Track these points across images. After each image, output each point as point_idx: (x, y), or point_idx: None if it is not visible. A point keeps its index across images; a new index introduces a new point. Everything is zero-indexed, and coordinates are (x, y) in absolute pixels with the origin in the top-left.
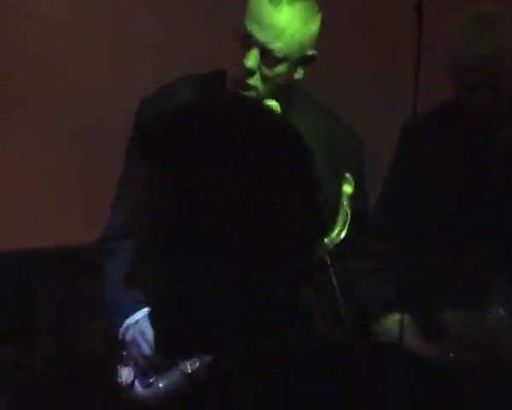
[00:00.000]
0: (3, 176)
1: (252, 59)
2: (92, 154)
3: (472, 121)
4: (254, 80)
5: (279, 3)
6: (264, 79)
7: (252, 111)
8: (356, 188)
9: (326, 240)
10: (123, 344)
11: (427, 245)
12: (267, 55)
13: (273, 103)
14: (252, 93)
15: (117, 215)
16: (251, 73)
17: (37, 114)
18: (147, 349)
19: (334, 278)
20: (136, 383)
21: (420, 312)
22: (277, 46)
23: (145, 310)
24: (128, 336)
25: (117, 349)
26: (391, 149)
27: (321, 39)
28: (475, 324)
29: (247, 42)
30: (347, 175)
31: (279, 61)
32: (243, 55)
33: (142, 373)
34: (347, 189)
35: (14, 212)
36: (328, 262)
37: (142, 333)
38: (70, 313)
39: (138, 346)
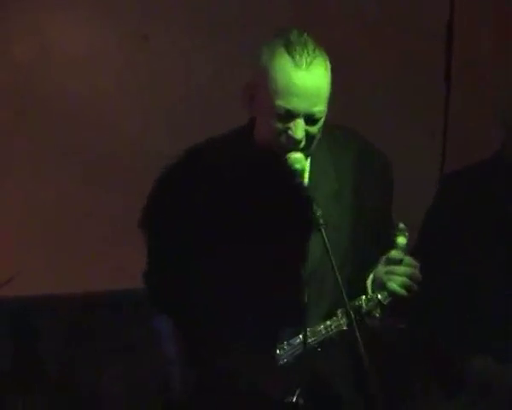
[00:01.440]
0: (11, 219)
1: (300, 131)
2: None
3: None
4: (303, 144)
5: (309, 65)
6: (310, 138)
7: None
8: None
9: (380, 296)
10: None
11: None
12: (311, 119)
13: (297, 155)
14: (298, 156)
15: None
16: (300, 142)
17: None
18: None
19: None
20: None
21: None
22: (318, 109)
23: None
24: None
25: None
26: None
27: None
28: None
29: (288, 116)
30: (401, 225)
31: (322, 115)
32: (280, 126)
33: None
34: (402, 240)
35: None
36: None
37: None
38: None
39: None
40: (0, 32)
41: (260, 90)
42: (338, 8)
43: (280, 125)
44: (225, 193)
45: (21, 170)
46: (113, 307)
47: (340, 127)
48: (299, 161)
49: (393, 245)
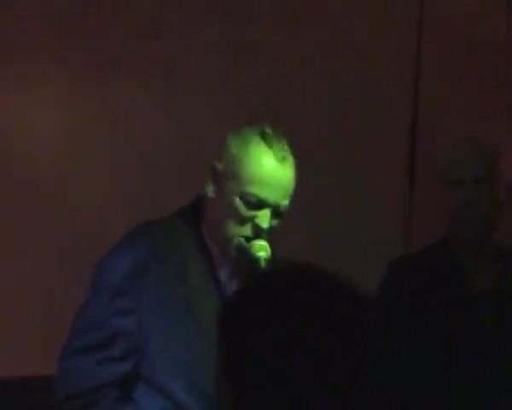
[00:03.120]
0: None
1: (266, 221)
2: None
3: (457, 261)
4: (265, 236)
5: (283, 159)
6: (271, 230)
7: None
8: None
9: None
10: None
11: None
12: (277, 211)
13: (262, 243)
14: (263, 244)
15: (95, 366)
16: (265, 232)
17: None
18: None
19: None
20: None
21: None
22: (285, 202)
23: None
24: None
25: None
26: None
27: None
28: None
29: (258, 205)
30: None
31: (284, 211)
32: (245, 213)
33: None
34: None
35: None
36: None
37: None
38: None
39: None
40: None
41: (228, 177)
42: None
43: (245, 213)
44: None
45: None
46: None
47: None
48: (264, 248)
49: None
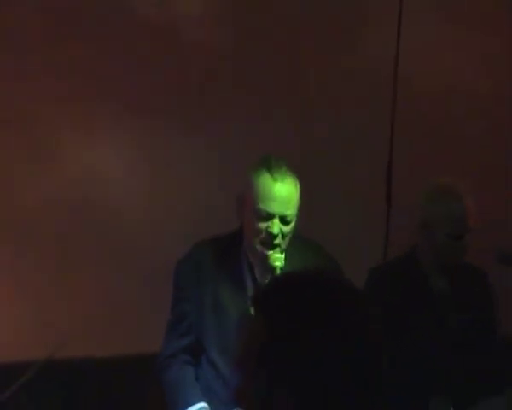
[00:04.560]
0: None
1: (276, 227)
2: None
3: (421, 267)
4: (278, 240)
5: (282, 180)
6: (284, 236)
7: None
8: None
9: None
10: None
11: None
12: (284, 220)
13: (277, 255)
14: (278, 249)
15: (171, 338)
16: (276, 236)
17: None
18: None
19: None
20: None
21: None
22: (289, 212)
23: (196, 406)
24: None
25: None
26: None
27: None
28: None
29: (268, 216)
30: None
31: (292, 219)
32: (261, 225)
33: None
34: None
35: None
36: None
37: None
38: None
39: None
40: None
41: (247, 199)
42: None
43: (261, 224)
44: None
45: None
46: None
47: (309, 240)
48: (279, 259)
49: None
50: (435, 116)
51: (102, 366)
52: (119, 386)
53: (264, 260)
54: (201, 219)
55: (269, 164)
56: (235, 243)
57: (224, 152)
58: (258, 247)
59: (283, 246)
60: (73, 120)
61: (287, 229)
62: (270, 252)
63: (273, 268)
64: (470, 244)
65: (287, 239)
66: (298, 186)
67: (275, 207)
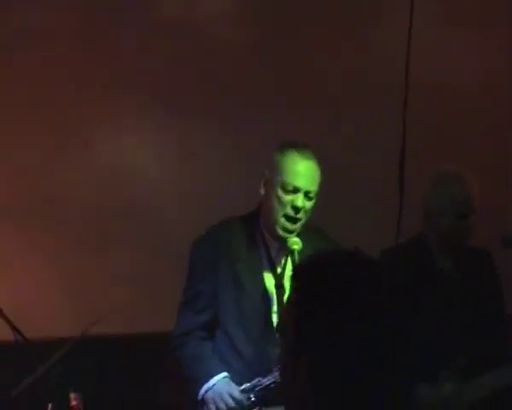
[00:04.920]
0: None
1: (301, 201)
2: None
3: (429, 249)
4: (301, 214)
5: (308, 159)
6: (305, 212)
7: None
8: None
9: None
10: (202, 403)
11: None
12: (308, 195)
13: (295, 239)
14: (295, 225)
15: (186, 317)
16: (299, 210)
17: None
18: (223, 407)
19: None
20: None
21: None
22: (313, 188)
23: (219, 376)
24: (207, 396)
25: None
26: None
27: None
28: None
29: (294, 190)
30: None
31: (314, 196)
32: (287, 198)
33: None
34: None
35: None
36: None
37: (220, 394)
38: None
39: (216, 403)
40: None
41: (273, 176)
42: None
43: (287, 198)
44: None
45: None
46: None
47: (308, 223)
48: (297, 243)
49: None
50: (447, 105)
51: (134, 342)
52: (150, 362)
53: (281, 241)
54: (227, 205)
55: (295, 145)
56: (252, 223)
57: (250, 145)
58: (282, 220)
59: (303, 221)
60: (102, 108)
61: (309, 204)
62: (288, 235)
63: (291, 251)
64: (475, 226)
65: (306, 216)
66: (319, 166)
67: (301, 182)
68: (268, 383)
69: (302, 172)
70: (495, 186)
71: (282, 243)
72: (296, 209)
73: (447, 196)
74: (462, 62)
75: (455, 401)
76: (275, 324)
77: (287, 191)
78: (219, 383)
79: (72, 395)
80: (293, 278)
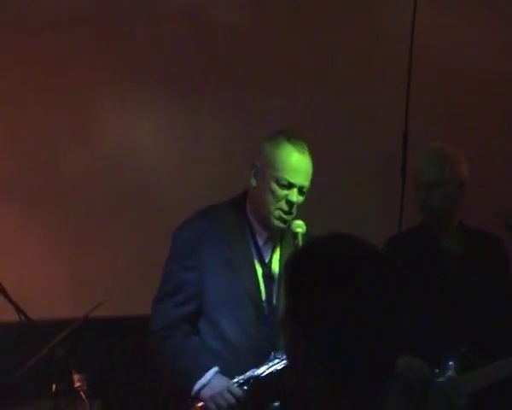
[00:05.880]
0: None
1: (295, 196)
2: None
3: (431, 233)
4: (294, 209)
5: (303, 153)
6: (298, 206)
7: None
8: None
9: None
10: (196, 399)
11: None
12: (301, 190)
13: (299, 222)
14: (290, 216)
15: (166, 310)
16: (293, 205)
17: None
18: (224, 404)
19: None
20: None
21: None
22: (306, 183)
23: (212, 371)
24: (204, 393)
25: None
26: None
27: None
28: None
29: (289, 186)
30: None
31: (307, 191)
32: (280, 193)
33: None
34: None
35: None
36: None
37: (219, 391)
38: None
39: (217, 402)
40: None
41: (265, 168)
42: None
43: (280, 193)
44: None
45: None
46: None
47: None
48: (301, 226)
49: None
50: (451, 88)
51: (137, 324)
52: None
53: (283, 220)
54: (231, 189)
55: (288, 136)
56: (238, 208)
57: (253, 128)
58: (277, 213)
59: (294, 214)
60: (114, 93)
61: (301, 199)
62: (284, 226)
63: (295, 234)
64: (458, 198)
65: (296, 210)
66: (312, 159)
67: (297, 179)
68: (262, 374)
69: (298, 168)
70: (501, 171)
71: (273, 232)
72: (290, 204)
73: (417, 166)
74: (468, 44)
75: (454, 391)
76: (265, 312)
77: (281, 186)
78: (214, 379)
79: (76, 377)
80: (290, 263)
